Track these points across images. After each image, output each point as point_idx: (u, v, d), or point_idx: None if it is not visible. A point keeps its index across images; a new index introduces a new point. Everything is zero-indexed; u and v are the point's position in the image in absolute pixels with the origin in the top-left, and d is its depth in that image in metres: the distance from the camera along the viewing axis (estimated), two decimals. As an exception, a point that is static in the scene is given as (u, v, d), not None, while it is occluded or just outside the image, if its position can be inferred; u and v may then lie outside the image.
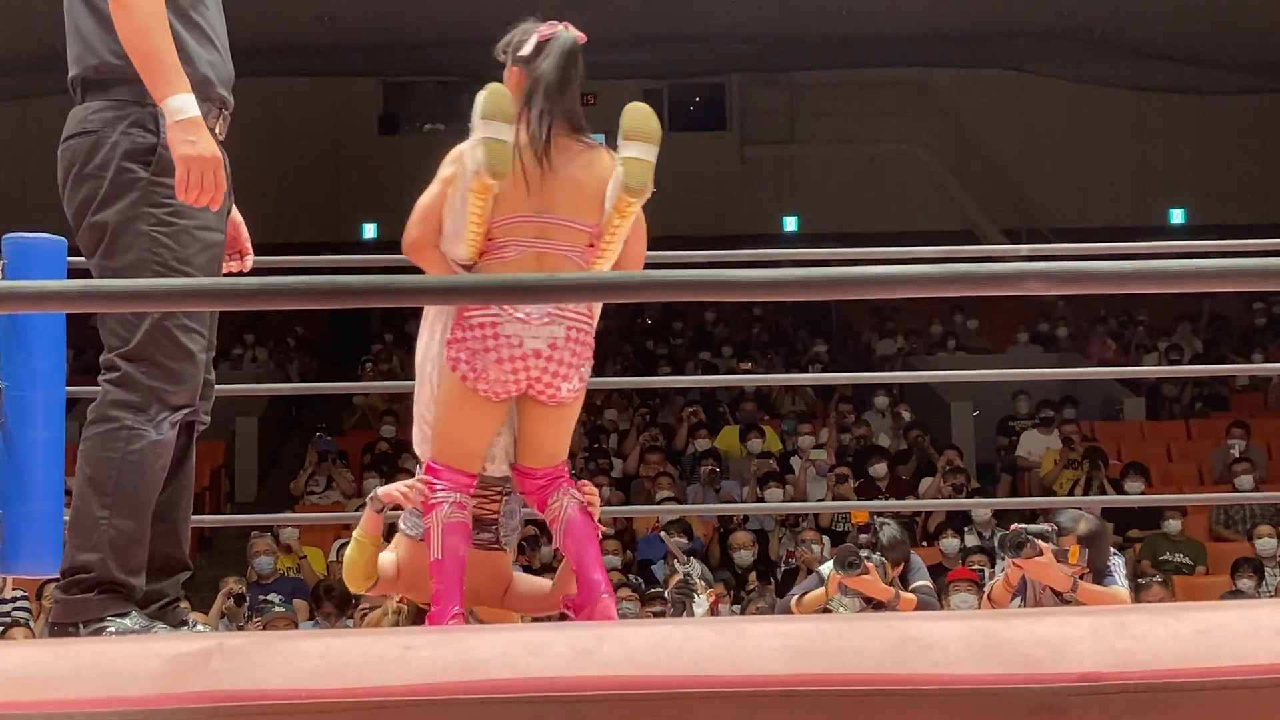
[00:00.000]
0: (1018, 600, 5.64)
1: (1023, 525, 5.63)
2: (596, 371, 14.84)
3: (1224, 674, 1.71)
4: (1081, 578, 5.48)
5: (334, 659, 1.74)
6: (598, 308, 3.98)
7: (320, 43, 18.11)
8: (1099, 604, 5.44)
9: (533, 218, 3.80)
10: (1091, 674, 1.70)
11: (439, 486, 3.87)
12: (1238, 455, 12.78)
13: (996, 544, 5.70)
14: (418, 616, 4.19)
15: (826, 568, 6.18)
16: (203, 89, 3.46)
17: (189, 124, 3.30)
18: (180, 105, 3.30)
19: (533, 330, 3.76)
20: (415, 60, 19.34)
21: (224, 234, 3.64)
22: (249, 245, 3.97)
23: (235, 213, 3.85)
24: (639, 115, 3.85)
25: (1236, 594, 9.39)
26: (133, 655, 1.77)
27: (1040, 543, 5.41)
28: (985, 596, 5.95)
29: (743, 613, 9.41)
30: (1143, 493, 11.74)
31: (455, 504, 3.86)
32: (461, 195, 3.79)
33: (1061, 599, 5.57)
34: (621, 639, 1.83)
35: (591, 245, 3.85)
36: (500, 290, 2.35)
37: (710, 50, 18.88)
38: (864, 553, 5.96)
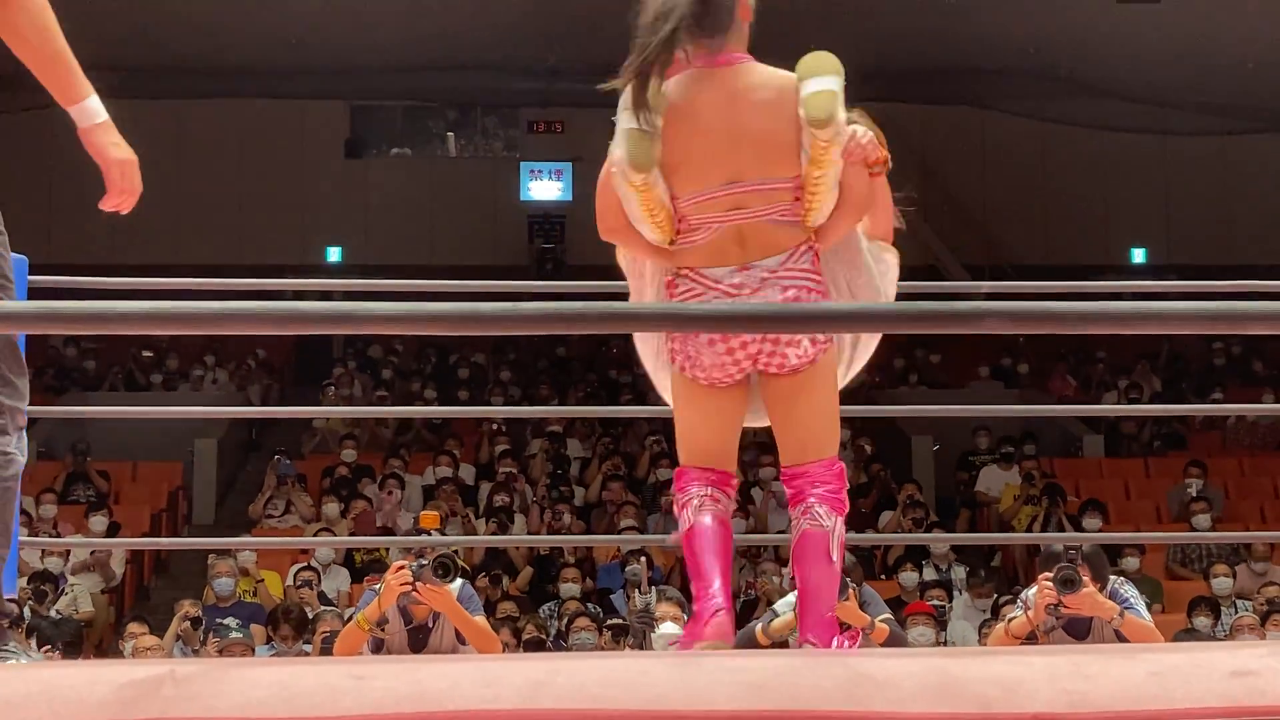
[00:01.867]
0: (1048, 630, 5.57)
1: (1056, 553, 5.53)
2: (560, 400, 14.76)
3: (1176, 716, 1.71)
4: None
5: (286, 688, 1.73)
6: (835, 256, 3.54)
7: (287, 65, 18.09)
8: (1141, 638, 5.39)
9: (720, 193, 3.40)
10: (1044, 714, 1.70)
11: (688, 487, 3.50)
12: (1194, 494, 12.85)
13: (1045, 579, 5.44)
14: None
15: (785, 602, 6.14)
16: None
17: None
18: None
19: (744, 301, 3.34)
20: (383, 84, 19.32)
21: None
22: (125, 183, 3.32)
23: (124, 153, 3.29)
24: (811, 57, 3.39)
25: (1192, 632, 9.42)
26: (82, 681, 1.75)
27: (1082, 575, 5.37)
28: (1004, 630, 5.79)
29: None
30: (1101, 530, 11.76)
31: (707, 497, 3.48)
32: (622, 190, 3.48)
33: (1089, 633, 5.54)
34: (575, 671, 1.82)
35: (798, 199, 3.41)
36: (462, 319, 2.33)
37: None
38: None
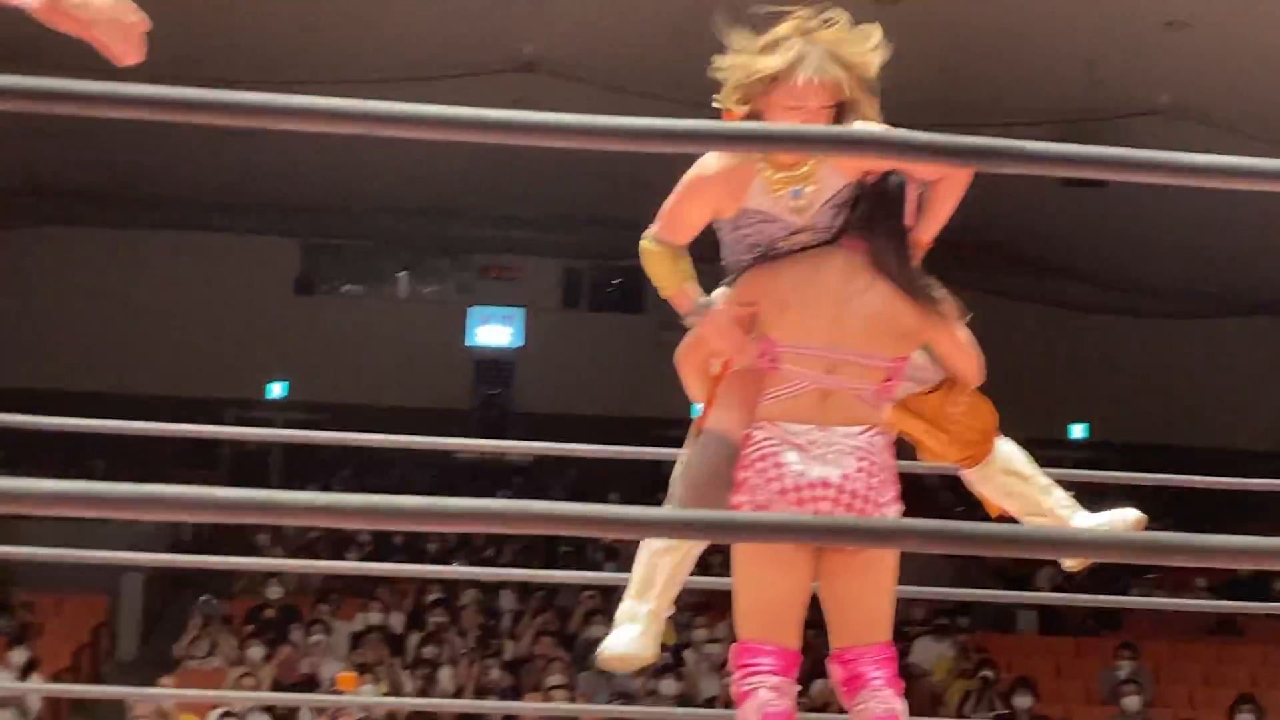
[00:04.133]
0: None
1: None
2: (497, 550, 14.57)
3: None
4: None
5: None
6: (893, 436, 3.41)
7: (242, 200, 18.11)
8: None
9: (823, 352, 3.32)
10: None
11: (753, 671, 3.23)
12: (1124, 677, 12.80)
13: None
14: None
15: None
16: None
17: None
18: None
19: (819, 459, 3.22)
20: (337, 223, 19.36)
21: None
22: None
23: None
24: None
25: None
26: None
27: None
28: None
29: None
30: (1031, 708, 11.69)
31: (774, 689, 3.22)
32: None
33: None
34: None
35: (888, 380, 3.35)
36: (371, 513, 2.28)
37: (632, 234, 19.00)
38: None
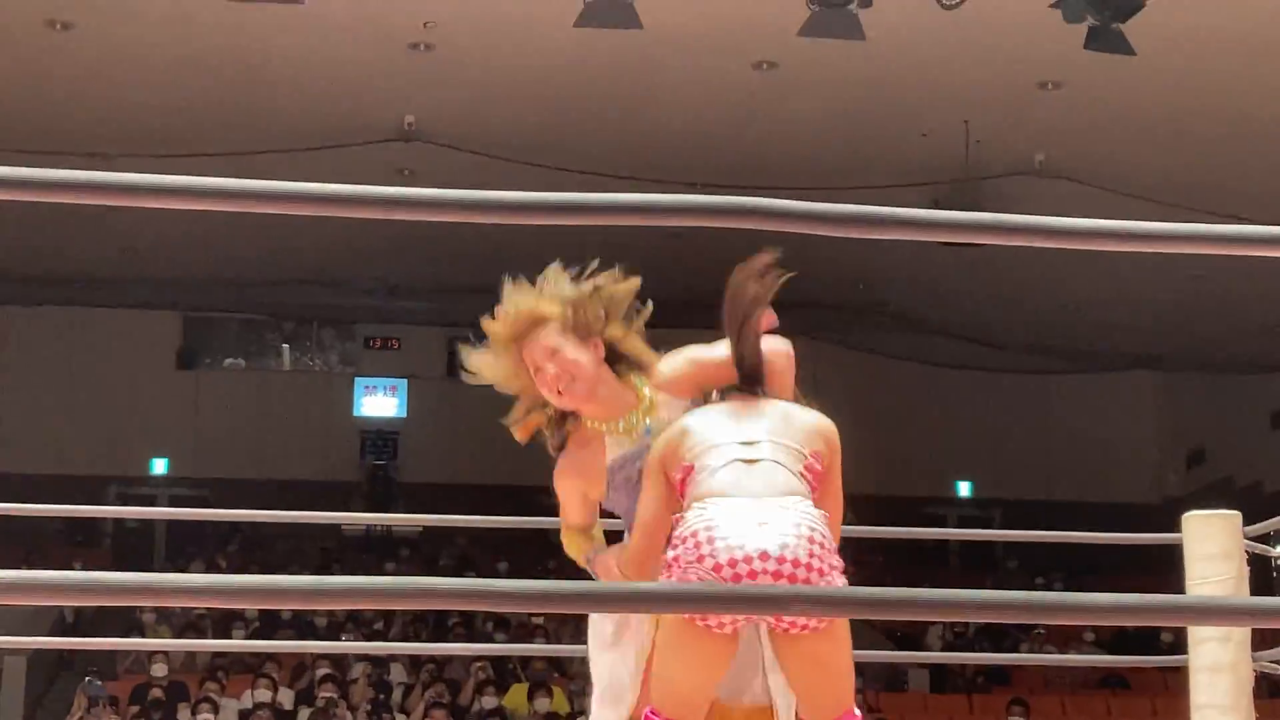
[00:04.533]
0: None
1: None
2: (385, 627, 14.48)
3: None
4: None
5: None
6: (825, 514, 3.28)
7: (119, 274, 17.92)
8: None
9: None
10: None
11: None
12: (1017, 733, 12.92)
13: None
14: None
15: None
16: None
17: None
18: None
19: (755, 531, 3.08)
20: (217, 295, 19.21)
21: None
22: None
23: None
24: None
25: None
26: None
27: None
28: None
29: None
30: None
31: None
32: None
33: None
34: None
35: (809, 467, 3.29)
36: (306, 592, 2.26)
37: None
38: None
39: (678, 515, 3.22)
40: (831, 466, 3.36)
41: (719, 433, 3.29)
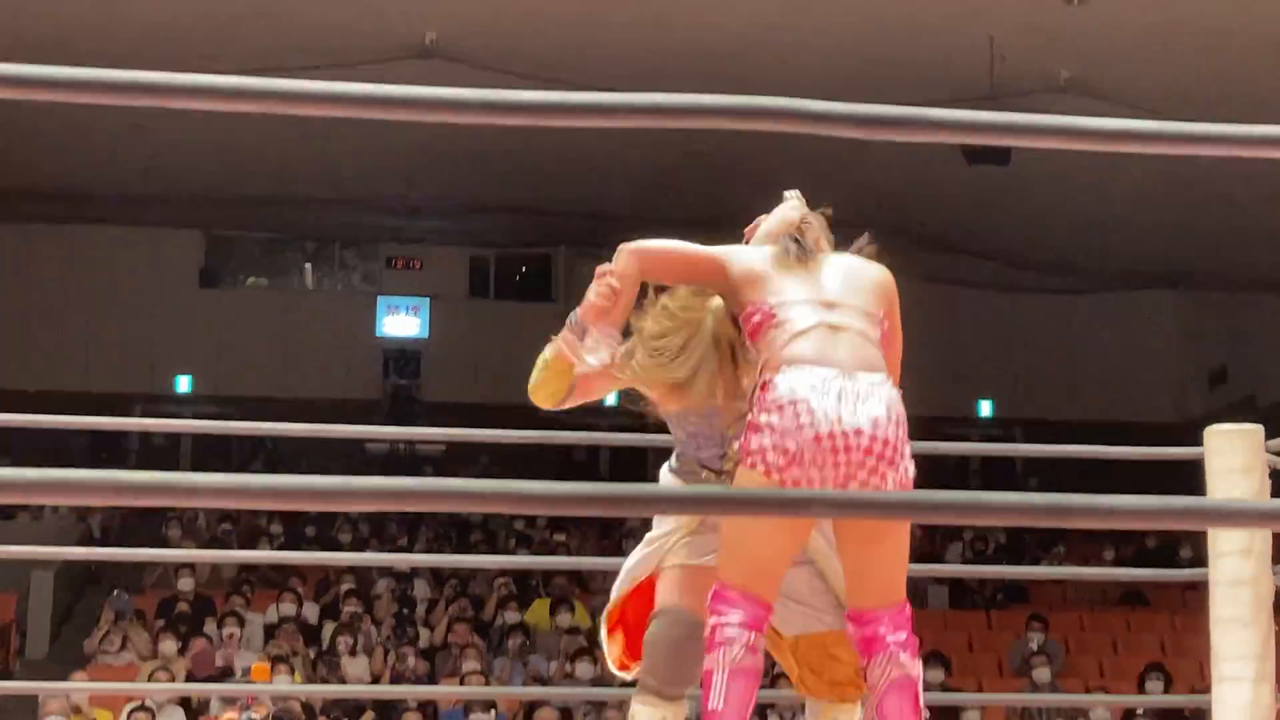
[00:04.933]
0: None
1: None
2: (410, 537, 14.54)
3: None
4: None
5: None
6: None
7: (143, 192, 17.92)
8: None
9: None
10: None
11: (728, 619, 3.17)
12: (1035, 649, 12.98)
13: None
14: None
15: None
16: None
17: None
18: None
19: (850, 406, 3.12)
20: (241, 215, 19.22)
21: None
22: None
23: None
24: None
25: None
26: None
27: None
28: None
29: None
30: (943, 682, 11.81)
31: (748, 646, 3.15)
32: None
33: None
34: None
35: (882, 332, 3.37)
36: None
37: (539, 220, 18.99)
38: None
39: (766, 378, 3.22)
40: (894, 320, 3.44)
41: (795, 288, 3.30)
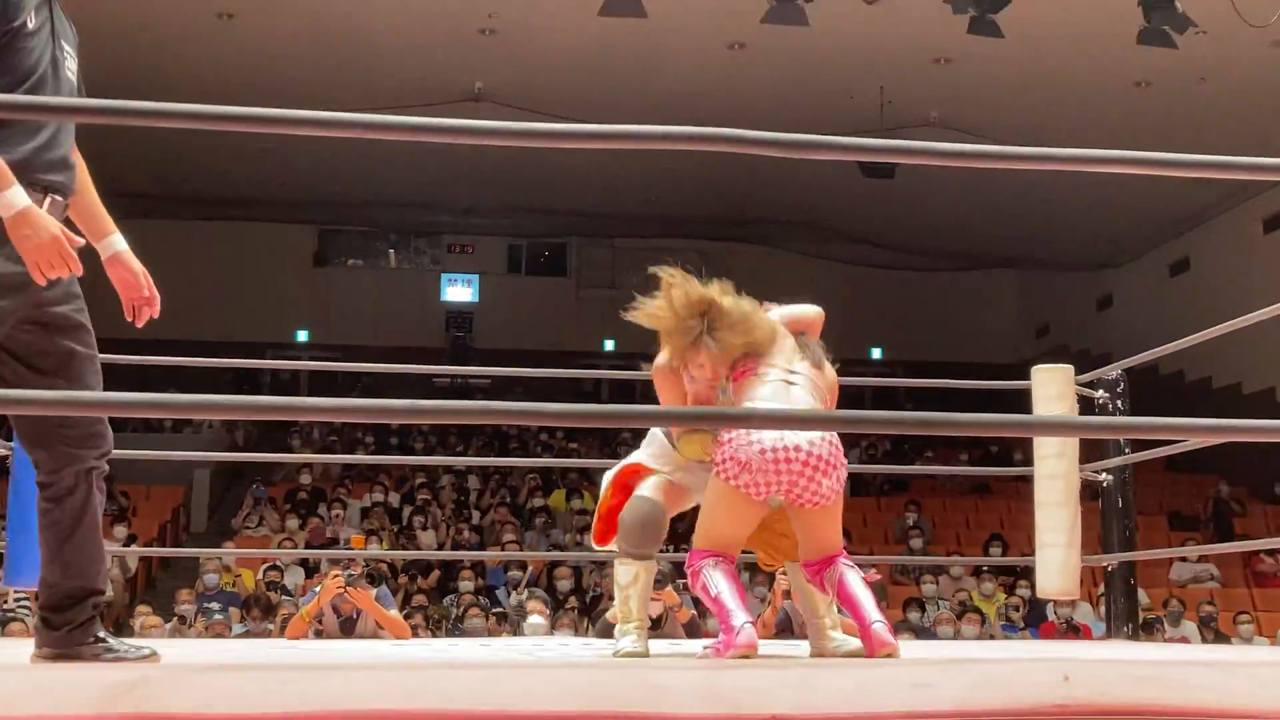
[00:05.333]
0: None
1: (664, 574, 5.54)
2: (465, 447, 14.37)
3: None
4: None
5: (230, 690, 1.67)
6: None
7: (270, 197, 17.84)
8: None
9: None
10: (781, 714, 1.69)
11: (703, 561, 3.10)
12: (911, 524, 13.03)
13: None
14: None
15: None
16: (24, 174, 2.52)
17: (19, 218, 2.45)
18: (8, 200, 2.46)
19: (792, 431, 3.03)
20: (342, 213, 19.14)
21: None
22: (150, 292, 2.97)
23: (133, 262, 2.92)
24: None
25: (905, 623, 9.48)
26: (71, 682, 1.68)
27: None
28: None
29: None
30: (846, 548, 11.86)
31: (719, 560, 3.10)
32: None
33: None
34: (438, 677, 1.77)
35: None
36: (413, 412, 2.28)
37: (558, 218, 18.95)
38: None
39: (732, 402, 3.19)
40: (832, 404, 3.34)
41: (779, 359, 3.24)
